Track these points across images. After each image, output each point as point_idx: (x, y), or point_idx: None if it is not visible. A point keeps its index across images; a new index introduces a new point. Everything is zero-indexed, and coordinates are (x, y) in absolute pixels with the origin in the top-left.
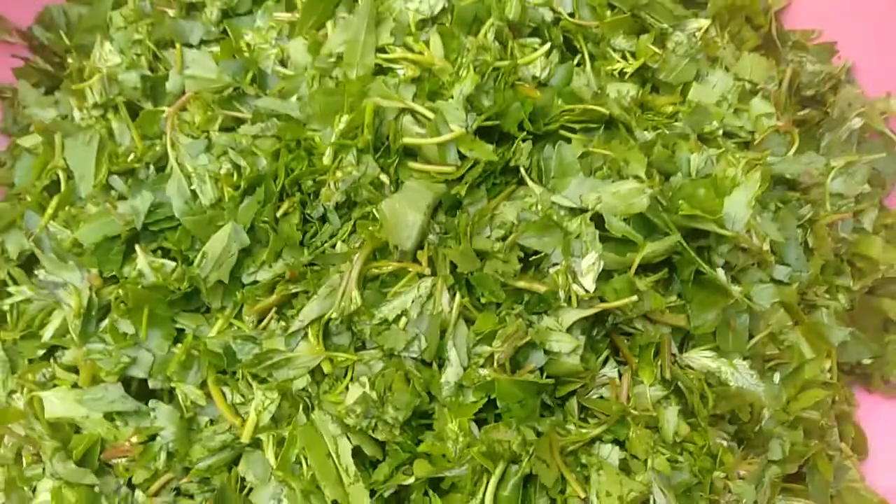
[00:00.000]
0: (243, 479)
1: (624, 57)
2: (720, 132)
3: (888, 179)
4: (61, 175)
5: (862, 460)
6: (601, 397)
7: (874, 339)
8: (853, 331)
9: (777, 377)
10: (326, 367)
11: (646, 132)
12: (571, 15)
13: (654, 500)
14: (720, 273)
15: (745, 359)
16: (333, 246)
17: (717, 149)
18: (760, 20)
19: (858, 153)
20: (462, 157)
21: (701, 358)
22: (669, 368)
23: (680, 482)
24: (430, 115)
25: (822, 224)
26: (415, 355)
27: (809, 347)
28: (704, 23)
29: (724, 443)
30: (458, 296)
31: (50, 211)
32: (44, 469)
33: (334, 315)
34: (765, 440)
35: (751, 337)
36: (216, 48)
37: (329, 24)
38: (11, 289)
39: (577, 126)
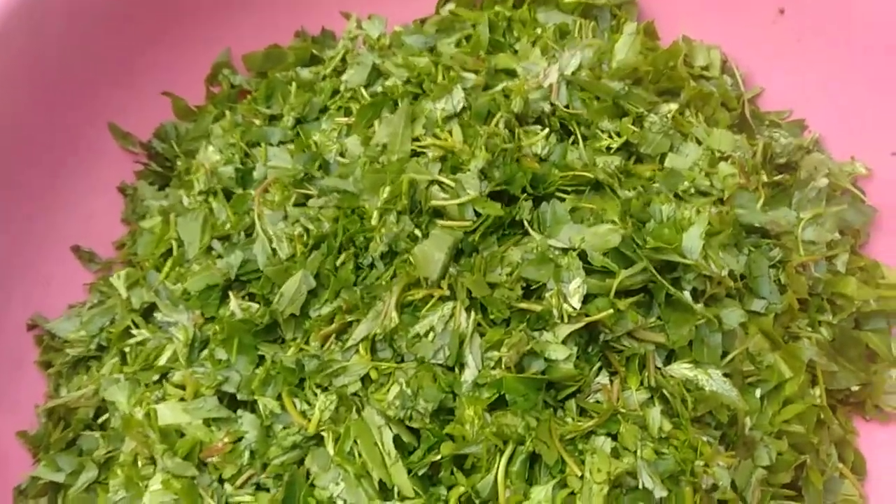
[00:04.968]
0: (309, 473)
1: (610, 136)
2: (692, 190)
3: (861, 230)
4: (174, 244)
5: (861, 480)
6: (597, 401)
7: (860, 368)
8: (833, 355)
9: (758, 392)
10: (373, 374)
11: (628, 192)
12: (566, 106)
13: (643, 483)
14: (686, 295)
15: (724, 375)
16: (379, 285)
17: (690, 203)
18: (733, 104)
19: (827, 207)
20: (477, 214)
21: (681, 369)
22: (654, 377)
23: (665, 469)
24: (452, 184)
25: (793, 264)
26: (440, 361)
27: (787, 368)
28: (673, 106)
29: (706, 438)
30: (472, 315)
31: (167, 269)
32: (154, 469)
33: (378, 331)
34: (751, 447)
35: (727, 354)
36: (291, 146)
37: (376, 122)
38: (134, 331)
39: (569, 188)
